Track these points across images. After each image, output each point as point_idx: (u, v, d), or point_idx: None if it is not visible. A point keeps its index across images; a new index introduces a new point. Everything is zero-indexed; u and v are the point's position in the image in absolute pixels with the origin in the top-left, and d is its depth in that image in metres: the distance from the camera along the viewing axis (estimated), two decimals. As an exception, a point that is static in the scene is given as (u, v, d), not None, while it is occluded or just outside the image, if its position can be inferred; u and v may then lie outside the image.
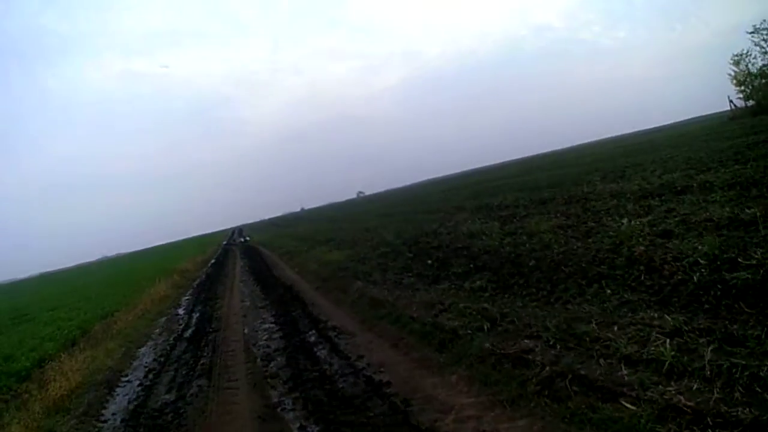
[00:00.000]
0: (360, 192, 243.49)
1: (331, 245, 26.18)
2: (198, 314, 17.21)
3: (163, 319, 18.08)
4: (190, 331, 14.74)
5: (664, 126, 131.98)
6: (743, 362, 4.84)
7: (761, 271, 6.28)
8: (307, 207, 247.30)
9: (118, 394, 10.13)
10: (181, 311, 19.01)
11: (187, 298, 22.49)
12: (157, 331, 16.14)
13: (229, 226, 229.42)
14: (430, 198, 47.34)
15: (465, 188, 46.77)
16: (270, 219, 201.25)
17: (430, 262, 14.76)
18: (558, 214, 14.78)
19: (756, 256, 6.74)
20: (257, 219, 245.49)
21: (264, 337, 12.23)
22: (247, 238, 73.19)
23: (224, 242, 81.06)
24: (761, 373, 4.61)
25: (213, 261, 42.71)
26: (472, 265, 12.55)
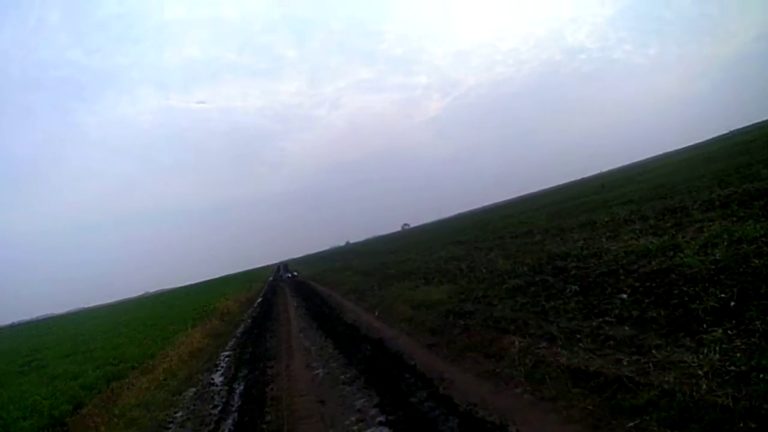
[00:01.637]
0: (405, 224, 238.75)
1: (414, 280, 19.96)
2: (242, 387, 11.13)
3: (191, 392, 12.12)
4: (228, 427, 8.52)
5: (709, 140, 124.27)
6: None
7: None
8: (352, 241, 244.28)
9: None
10: (217, 378, 12.92)
11: (227, 354, 16.40)
12: (179, 417, 10.02)
13: (272, 262, 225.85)
14: (492, 224, 41.31)
15: (535, 210, 41.93)
16: (315, 253, 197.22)
17: (624, 296, 8.83)
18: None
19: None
20: (301, 254, 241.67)
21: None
22: (295, 273, 67.61)
23: (270, 278, 75.75)
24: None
25: (260, 299, 36.75)
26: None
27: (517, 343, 8.42)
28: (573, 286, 10.38)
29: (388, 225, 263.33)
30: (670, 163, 54.91)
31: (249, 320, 24.67)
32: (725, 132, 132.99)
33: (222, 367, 14.26)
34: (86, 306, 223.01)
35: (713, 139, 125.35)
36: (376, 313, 15.99)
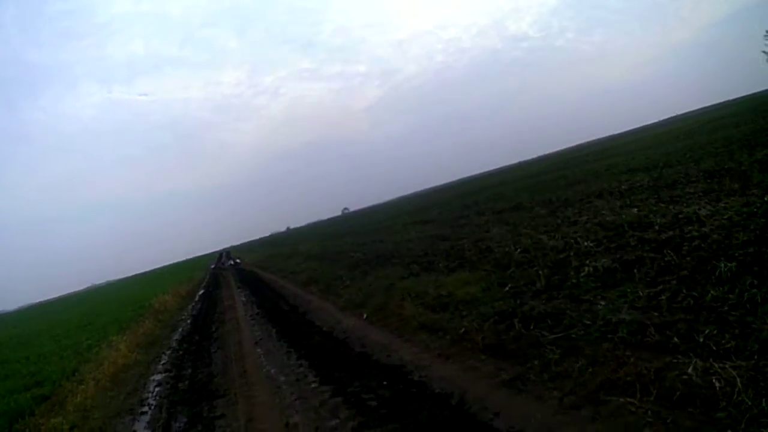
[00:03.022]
0: (345, 209, 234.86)
1: (399, 266, 15.88)
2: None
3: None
4: None
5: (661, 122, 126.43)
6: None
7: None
8: (293, 226, 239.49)
9: None
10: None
11: (157, 379, 11.83)
12: None
13: (214, 250, 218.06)
14: (454, 203, 37.95)
15: (475, 193, 38.61)
16: (256, 240, 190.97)
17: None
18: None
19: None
20: (242, 241, 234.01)
21: None
22: (238, 261, 62.58)
23: (212, 266, 70.31)
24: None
25: (201, 292, 31.88)
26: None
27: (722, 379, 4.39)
28: (726, 264, 6.50)
29: (328, 210, 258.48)
30: (640, 139, 52.60)
31: (188, 320, 20.00)
32: (670, 116, 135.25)
33: (149, 405, 9.80)
34: (33, 302, 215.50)
35: (660, 122, 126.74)
36: (365, 316, 11.67)
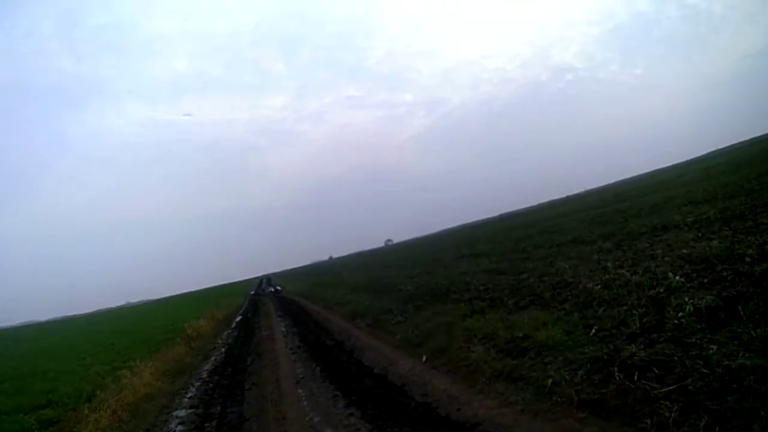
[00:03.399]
0: (388, 240, 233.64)
1: (455, 301, 14.06)
2: None
3: None
4: None
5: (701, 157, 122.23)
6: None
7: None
8: (335, 255, 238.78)
9: None
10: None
11: (180, 417, 10.25)
12: None
13: (254, 276, 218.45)
14: (501, 236, 35.97)
15: (524, 227, 36.74)
16: (297, 268, 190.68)
17: None
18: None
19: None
20: (283, 269, 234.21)
21: None
22: (279, 288, 61.35)
23: (251, 292, 69.27)
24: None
25: (239, 319, 30.44)
26: None
27: None
28: None
29: (371, 241, 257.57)
30: (691, 171, 49.81)
31: (222, 349, 18.51)
32: (711, 150, 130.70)
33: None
34: (66, 315, 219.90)
35: (700, 157, 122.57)
36: (425, 358, 9.95)
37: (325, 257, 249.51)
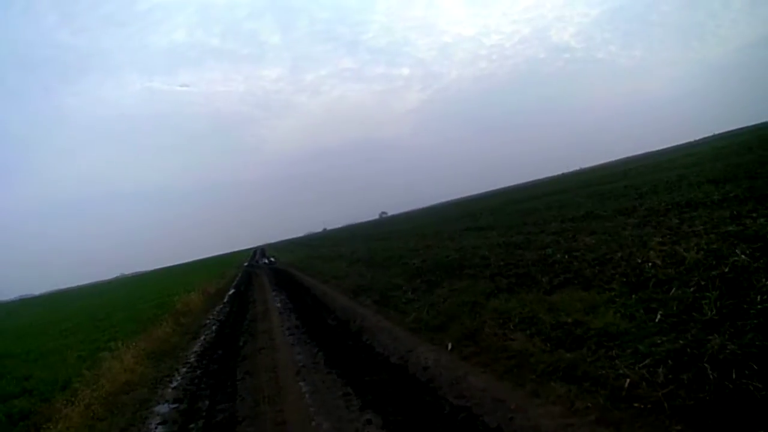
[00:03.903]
0: (383, 212, 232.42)
1: (475, 278, 12.50)
2: None
3: None
4: None
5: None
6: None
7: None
8: (329, 227, 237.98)
9: None
10: None
11: (163, 409, 8.76)
12: None
13: (248, 246, 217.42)
14: (507, 209, 34.51)
15: (526, 201, 35.90)
16: (291, 239, 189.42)
17: None
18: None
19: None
20: (277, 239, 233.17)
21: None
22: (272, 259, 59.90)
23: (245, 263, 67.89)
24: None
25: (232, 292, 28.91)
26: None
27: None
28: None
29: (365, 213, 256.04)
30: (699, 152, 48.39)
31: (213, 327, 16.98)
32: (709, 135, 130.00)
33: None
34: (59, 288, 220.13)
35: (699, 140, 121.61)
36: (450, 346, 8.31)
37: (319, 229, 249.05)
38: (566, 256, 11.47)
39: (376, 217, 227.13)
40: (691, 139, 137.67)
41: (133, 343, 14.88)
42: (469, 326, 8.74)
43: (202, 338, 15.36)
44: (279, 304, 18.77)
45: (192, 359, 12.51)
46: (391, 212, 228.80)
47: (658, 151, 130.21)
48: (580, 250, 11.70)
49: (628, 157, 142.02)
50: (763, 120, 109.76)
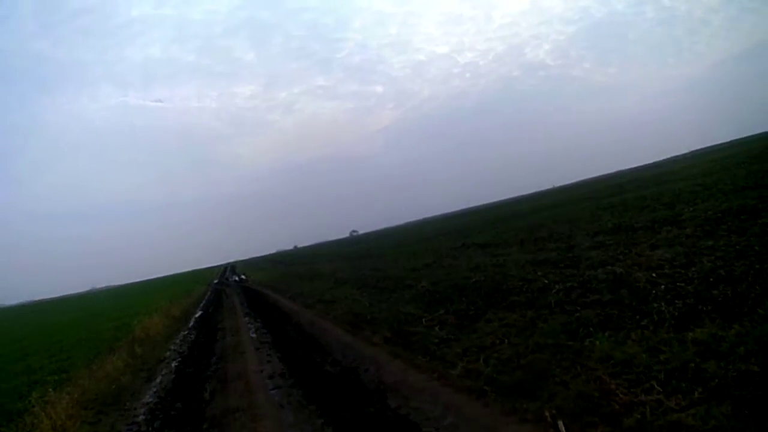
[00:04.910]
0: (354, 231, 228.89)
1: (543, 311, 9.29)
2: None
3: None
4: None
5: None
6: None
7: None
8: (300, 245, 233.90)
9: None
10: None
11: None
12: None
13: (218, 263, 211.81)
14: (498, 229, 31.83)
15: (511, 219, 33.29)
16: (262, 256, 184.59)
17: None
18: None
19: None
20: (247, 256, 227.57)
21: None
22: (243, 277, 55.98)
23: (215, 280, 63.92)
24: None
25: (199, 314, 25.20)
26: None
27: None
28: None
29: (335, 231, 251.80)
30: (691, 166, 46.41)
31: (173, 365, 13.44)
32: (685, 152, 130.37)
33: None
34: (34, 299, 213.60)
35: (673, 157, 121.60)
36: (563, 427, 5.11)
37: (289, 246, 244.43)
38: (652, 274, 8.50)
39: (347, 235, 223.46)
40: (668, 155, 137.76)
41: (76, 381, 11.67)
42: (577, 388, 5.53)
43: (158, 380, 11.88)
44: (254, 335, 15.29)
45: (141, 416, 9.07)
46: (361, 231, 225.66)
47: (640, 166, 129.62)
48: (663, 267, 8.78)
49: (606, 174, 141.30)
50: (742, 135, 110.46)
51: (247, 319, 19.29)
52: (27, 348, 21.90)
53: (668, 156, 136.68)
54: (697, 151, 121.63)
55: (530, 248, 17.60)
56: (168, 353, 15.18)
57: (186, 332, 19.15)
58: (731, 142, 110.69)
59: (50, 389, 11.29)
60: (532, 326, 8.43)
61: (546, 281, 11.12)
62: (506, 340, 8.23)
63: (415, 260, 23.44)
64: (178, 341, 17.19)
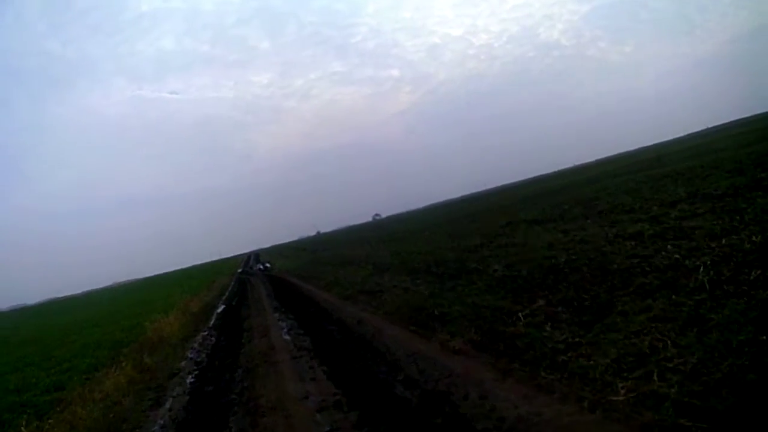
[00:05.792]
0: (376, 215, 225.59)
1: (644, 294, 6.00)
2: None
3: None
4: None
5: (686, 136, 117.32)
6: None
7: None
8: (322, 231, 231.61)
9: None
10: None
11: None
12: None
13: (241, 252, 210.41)
14: (537, 206, 28.45)
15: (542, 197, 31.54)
16: (285, 244, 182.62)
17: None
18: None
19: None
20: (271, 244, 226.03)
21: None
22: (267, 265, 53.09)
23: (239, 270, 61.29)
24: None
25: (221, 310, 22.23)
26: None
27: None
28: None
29: (357, 216, 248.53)
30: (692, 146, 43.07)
31: (188, 381, 10.44)
32: (702, 128, 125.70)
33: None
34: (56, 297, 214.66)
35: (692, 134, 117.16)
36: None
37: (312, 232, 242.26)
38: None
39: (369, 219, 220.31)
40: (687, 132, 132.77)
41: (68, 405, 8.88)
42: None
43: (167, 405, 8.94)
44: (287, 336, 12.27)
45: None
46: (384, 214, 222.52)
47: (663, 142, 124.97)
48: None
49: (627, 152, 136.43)
50: (757, 112, 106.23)
51: (277, 315, 16.25)
52: (27, 357, 19.03)
53: (686, 133, 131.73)
54: (715, 127, 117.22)
55: (602, 222, 14.44)
56: (183, 363, 12.24)
57: (206, 333, 16.19)
58: (746, 118, 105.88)
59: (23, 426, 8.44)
60: (698, 318, 5.33)
61: (677, 256, 8.00)
62: (668, 341, 5.25)
63: (458, 241, 20.23)
64: (196, 346, 14.22)
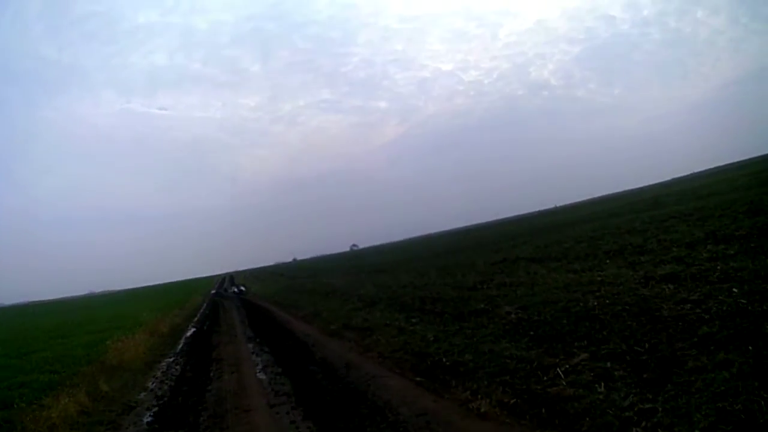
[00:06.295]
0: (354, 245, 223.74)
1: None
2: None
3: None
4: None
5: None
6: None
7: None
8: (299, 257, 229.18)
9: None
10: None
11: None
12: None
13: (216, 273, 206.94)
14: (532, 244, 27.35)
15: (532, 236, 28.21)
16: (261, 268, 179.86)
17: None
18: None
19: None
20: (247, 267, 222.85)
21: None
22: (242, 289, 51.22)
23: (213, 291, 59.36)
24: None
25: (191, 333, 20.44)
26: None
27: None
28: None
29: (335, 245, 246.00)
30: (683, 189, 42.65)
31: (144, 419, 8.83)
32: (687, 174, 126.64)
33: None
34: (32, 299, 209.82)
35: (676, 179, 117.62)
36: None
37: (288, 258, 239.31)
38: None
39: (347, 249, 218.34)
40: (675, 176, 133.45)
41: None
42: None
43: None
44: (262, 375, 10.69)
45: None
46: (361, 245, 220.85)
47: (650, 185, 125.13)
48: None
49: (613, 193, 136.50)
50: (745, 158, 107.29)
51: (251, 345, 14.62)
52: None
53: (672, 177, 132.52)
54: (700, 172, 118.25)
55: (619, 263, 13.23)
56: (142, 395, 10.61)
57: (172, 359, 14.52)
58: (737, 162, 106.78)
59: None
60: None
61: (743, 301, 6.82)
62: (762, 402, 3.94)
63: (455, 277, 18.82)
64: (159, 374, 12.55)
